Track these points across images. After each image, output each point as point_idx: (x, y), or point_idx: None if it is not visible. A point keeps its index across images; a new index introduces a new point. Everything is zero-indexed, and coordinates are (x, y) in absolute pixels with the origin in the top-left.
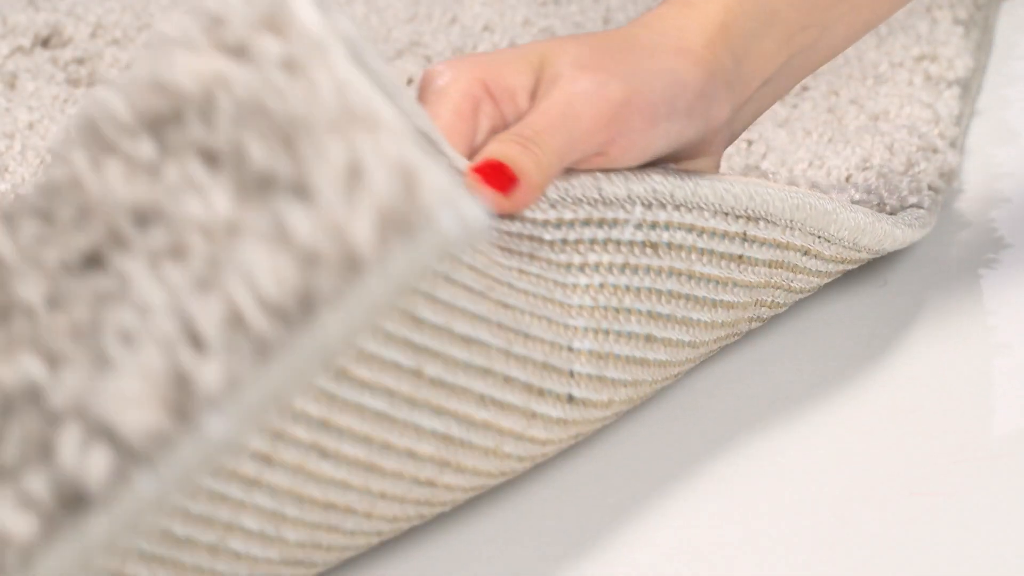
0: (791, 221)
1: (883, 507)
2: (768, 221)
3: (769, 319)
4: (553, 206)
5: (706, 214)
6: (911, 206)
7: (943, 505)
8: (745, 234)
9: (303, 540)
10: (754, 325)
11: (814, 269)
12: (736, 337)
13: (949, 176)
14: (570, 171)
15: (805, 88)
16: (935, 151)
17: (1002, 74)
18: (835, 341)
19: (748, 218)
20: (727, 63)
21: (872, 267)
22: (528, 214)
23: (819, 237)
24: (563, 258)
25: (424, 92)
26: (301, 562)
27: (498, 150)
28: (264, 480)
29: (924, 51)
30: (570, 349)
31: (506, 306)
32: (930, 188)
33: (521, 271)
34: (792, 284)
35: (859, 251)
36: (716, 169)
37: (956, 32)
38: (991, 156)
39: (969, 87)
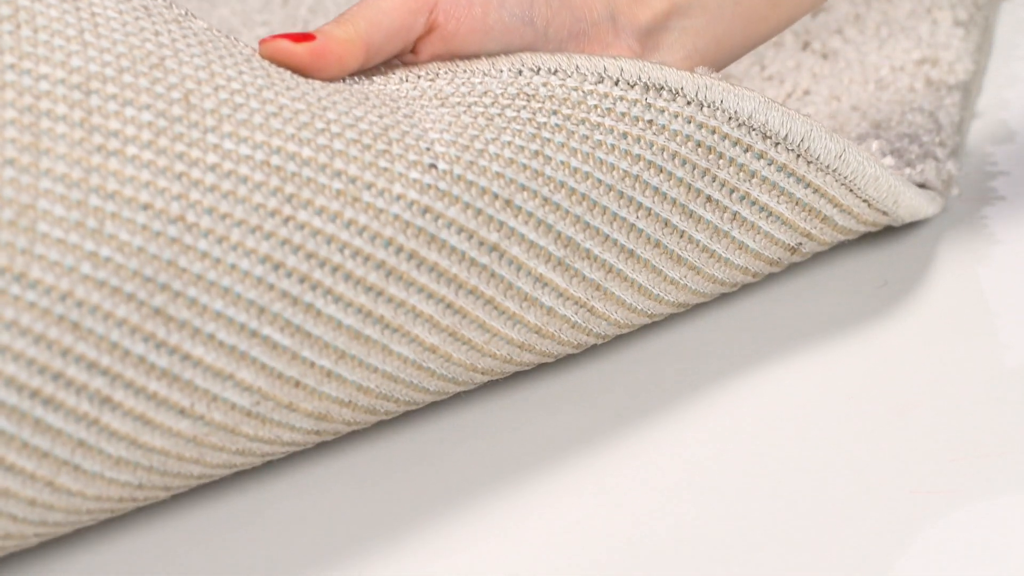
0: (705, 100)
1: (883, 506)
2: (671, 91)
3: (762, 274)
4: (405, 79)
5: (589, 78)
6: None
7: (943, 504)
8: (647, 102)
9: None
10: (729, 247)
11: (772, 180)
12: (711, 278)
13: (948, 183)
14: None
15: (807, 92)
16: (936, 160)
17: (1002, 75)
18: (834, 340)
19: (646, 86)
20: None
21: (872, 267)
22: (372, 85)
23: (752, 129)
24: (417, 104)
25: None
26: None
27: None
28: (42, 167)
29: (925, 54)
30: (423, 136)
31: (301, 91)
32: (924, 186)
33: (337, 91)
34: (752, 192)
35: (818, 168)
36: None
37: (956, 34)
38: (988, 155)
39: (969, 90)
